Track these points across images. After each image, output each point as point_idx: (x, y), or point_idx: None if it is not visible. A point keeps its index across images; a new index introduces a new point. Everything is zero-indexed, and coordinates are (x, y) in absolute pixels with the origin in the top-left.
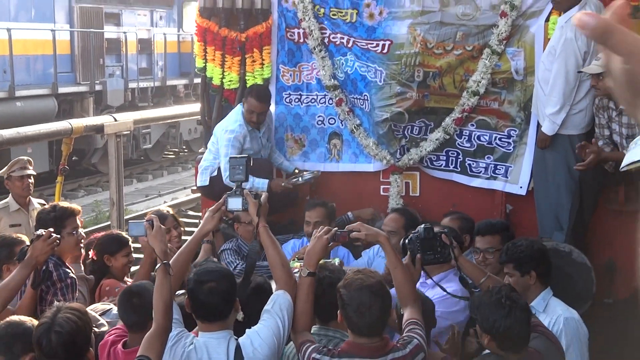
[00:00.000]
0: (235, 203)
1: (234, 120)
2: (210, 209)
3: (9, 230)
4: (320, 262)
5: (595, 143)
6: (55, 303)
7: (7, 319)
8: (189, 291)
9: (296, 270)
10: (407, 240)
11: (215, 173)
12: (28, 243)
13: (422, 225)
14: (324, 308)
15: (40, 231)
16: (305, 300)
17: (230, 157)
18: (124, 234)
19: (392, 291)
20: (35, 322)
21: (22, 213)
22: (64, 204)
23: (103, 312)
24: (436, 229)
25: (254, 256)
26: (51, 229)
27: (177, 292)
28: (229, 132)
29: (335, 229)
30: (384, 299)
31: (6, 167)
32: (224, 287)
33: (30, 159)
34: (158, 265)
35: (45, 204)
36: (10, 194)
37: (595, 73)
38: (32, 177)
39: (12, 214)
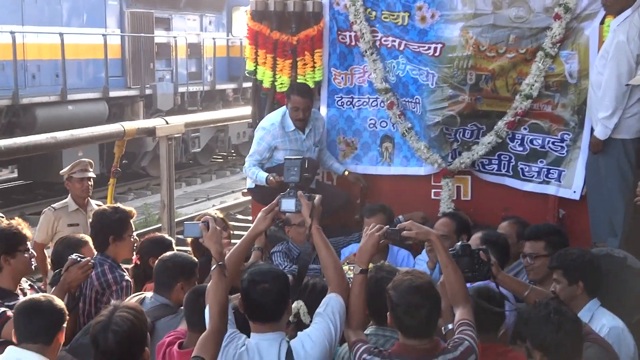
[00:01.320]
0: (288, 204)
1: (270, 119)
2: (263, 209)
3: (68, 229)
4: (377, 263)
5: None
6: (112, 302)
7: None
8: (243, 291)
9: (346, 273)
10: None
11: None
12: (90, 243)
13: (459, 243)
14: (381, 309)
15: (75, 257)
16: (358, 298)
17: (286, 158)
18: (166, 235)
19: None
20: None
21: (80, 213)
22: (124, 206)
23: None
24: (476, 245)
25: (306, 258)
26: (89, 258)
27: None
28: (260, 130)
29: (387, 226)
30: (433, 300)
31: (67, 168)
32: (278, 288)
33: (92, 161)
34: (213, 267)
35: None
36: (70, 194)
37: None
38: (91, 179)
39: (71, 213)
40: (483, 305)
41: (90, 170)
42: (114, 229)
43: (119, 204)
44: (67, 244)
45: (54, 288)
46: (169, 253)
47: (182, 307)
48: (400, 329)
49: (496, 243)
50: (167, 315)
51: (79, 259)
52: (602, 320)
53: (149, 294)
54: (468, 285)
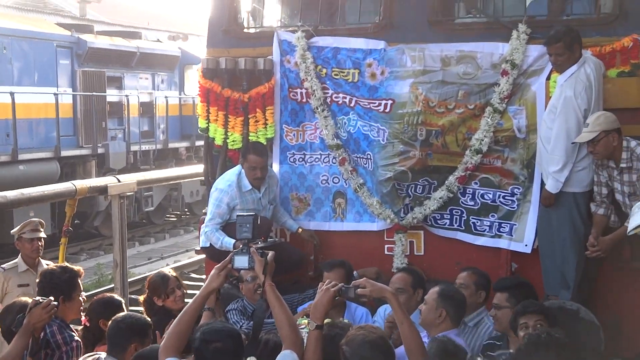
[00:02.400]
0: (241, 261)
1: (226, 180)
2: (216, 266)
3: (17, 290)
4: (331, 320)
5: (599, 241)
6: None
7: None
8: (195, 350)
9: (302, 327)
10: None
11: None
12: None
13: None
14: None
15: (39, 298)
16: (314, 354)
17: (238, 215)
18: (116, 296)
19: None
20: None
21: (30, 274)
22: (72, 266)
23: None
24: (430, 301)
25: (260, 315)
26: (51, 297)
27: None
28: (218, 191)
29: (341, 284)
30: (386, 354)
31: (17, 228)
32: (231, 347)
33: (42, 221)
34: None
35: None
36: (20, 255)
37: (588, 140)
38: (42, 239)
39: (21, 274)
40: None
41: (41, 230)
42: (63, 289)
43: (66, 263)
44: (13, 310)
45: (17, 332)
46: (122, 314)
47: None
48: None
49: (453, 298)
50: None
51: (41, 300)
52: None
53: (102, 354)
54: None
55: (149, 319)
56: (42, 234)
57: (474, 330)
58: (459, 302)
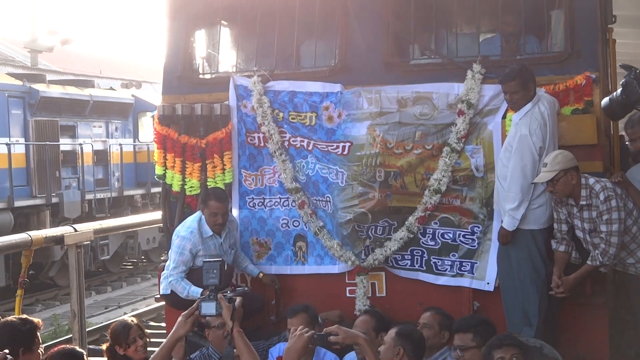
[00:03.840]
0: (208, 308)
1: (187, 227)
2: (183, 313)
3: None
4: None
5: (563, 281)
6: None
7: None
8: None
9: None
10: None
11: None
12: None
13: None
14: None
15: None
16: None
17: (204, 261)
18: (77, 348)
19: None
20: None
21: None
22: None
23: None
24: (387, 343)
25: None
26: (6, 351)
27: None
28: (180, 238)
29: (313, 331)
30: None
31: None
32: None
33: None
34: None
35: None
36: None
37: (548, 180)
38: None
39: None
40: None
41: None
42: (23, 341)
43: (25, 315)
44: None
45: None
46: (62, 347)
47: None
48: None
49: (410, 337)
50: None
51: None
52: None
53: None
54: None
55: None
56: None
57: None
58: (417, 340)
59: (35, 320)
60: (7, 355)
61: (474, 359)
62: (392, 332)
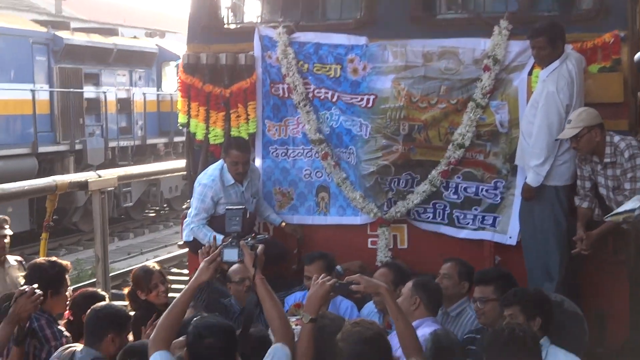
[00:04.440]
0: (231, 254)
1: (209, 175)
2: (206, 259)
3: None
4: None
5: (587, 235)
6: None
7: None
8: (189, 345)
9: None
10: None
11: None
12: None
13: None
14: (324, 356)
15: (24, 288)
16: (307, 348)
17: (227, 208)
18: (99, 290)
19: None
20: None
21: None
22: (60, 260)
23: None
24: (404, 293)
25: (251, 308)
26: (35, 285)
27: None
28: (202, 186)
29: (336, 280)
30: (382, 350)
31: None
32: (224, 344)
33: (7, 218)
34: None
35: (22, 261)
36: None
37: (571, 136)
38: (7, 237)
39: None
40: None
41: (6, 227)
42: (51, 283)
43: (55, 258)
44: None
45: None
46: (101, 303)
47: None
48: None
49: (427, 287)
50: None
51: (26, 289)
52: (558, 356)
53: (79, 347)
54: (426, 331)
55: (128, 312)
56: (8, 231)
57: (456, 320)
58: (433, 290)
59: (64, 262)
60: (36, 290)
61: (494, 312)
62: (409, 283)
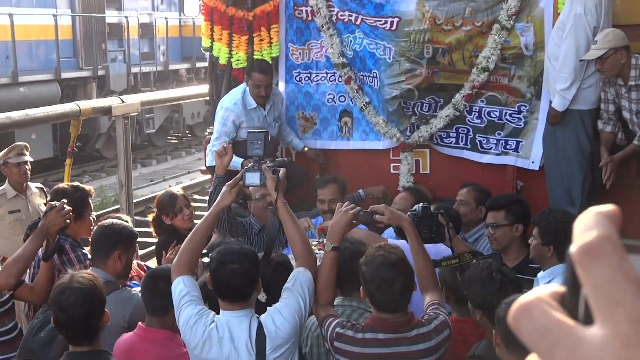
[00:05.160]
0: (253, 178)
1: (231, 98)
2: (227, 183)
3: (9, 217)
4: None
5: (612, 159)
6: (69, 271)
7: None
8: (212, 271)
9: (314, 243)
10: None
11: None
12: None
13: (420, 204)
14: (346, 279)
15: (53, 203)
16: (329, 275)
17: (249, 132)
18: (123, 216)
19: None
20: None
21: (20, 199)
22: (83, 185)
23: None
24: (433, 209)
25: (273, 232)
26: (64, 200)
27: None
28: (223, 110)
29: (359, 208)
30: (406, 275)
31: (2, 153)
32: (247, 269)
33: (27, 145)
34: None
35: (43, 188)
36: (7, 180)
37: (596, 57)
38: (29, 163)
39: (11, 200)
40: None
41: (27, 153)
42: (74, 207)
43: (77, 183)
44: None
45: (31, 234)
46: (108, 220)
47: (128, 285)
48: (373, 303)
49: (447, 214)
50: (111, 291)
51: (55, 204)
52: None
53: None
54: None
55: (135, 230)
56: (29, 157)
57: (474, 246)
58: (453, 218)
59: (87, 187)
60: (65, 206)
61: (505, 238)
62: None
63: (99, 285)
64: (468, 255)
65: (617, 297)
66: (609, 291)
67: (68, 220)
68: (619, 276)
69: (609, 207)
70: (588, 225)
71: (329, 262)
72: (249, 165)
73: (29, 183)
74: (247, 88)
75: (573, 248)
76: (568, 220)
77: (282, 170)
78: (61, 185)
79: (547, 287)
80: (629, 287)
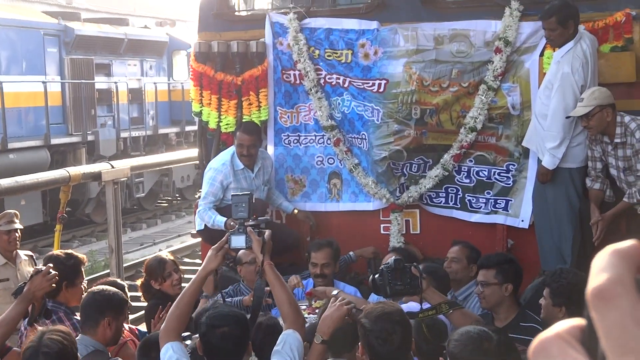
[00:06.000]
0: (238, 241)
1: (220, 160)
2: (213, 247)
3: None
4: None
5: (602, 217)
6: (39, 328)
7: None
8: (202, 335)
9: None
10: (378, 274)
11: None
12: None
13: (392, 257)
14: (336, 339)
15: (39, 267)
16: None
17: (233, 195)
18: (119, 280)
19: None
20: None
21: (9, 267)
22: (76, 252)
23: None
24: (406, 262)
25: (260, 294)
26: (50, 265)
27: (185, 335)
28: (212, 170)
29: (353, 305)
30: (405, 326)
31: None
32: (238, 332)
33: (17, 212)
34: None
35: (32, 255)
36: None
37: (583, 114)
38: (19, 230)
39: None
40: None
41: (17, 221)
42: (67, 275)
43: (71, 250)
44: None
45: (17, 299)
46: (99, 286)
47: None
48: (372, 357)
49: (435, 274)
50: None
51: (42, 268)
52: None
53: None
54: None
55: (125, 297)
56: (19, 225)
57: (464, 304)
58: (442, 277)
59: (80, 255)
60: (51, 270)
61: (494, 296)
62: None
63: (69, 344)
64: (445, 305)
65: (627, 342)
66: (619, 336)
67: (54, 285)
68: (630, 321)
69: (626, 244)
70: (602, 267)
71: (317, 354)
72: (235, 228)
73: (19, 251)
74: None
75: (588, 290)
76: (579, 281)
77: (267, 232)
78: (54, 252)
79: (566, 321)
80: (639, 333)
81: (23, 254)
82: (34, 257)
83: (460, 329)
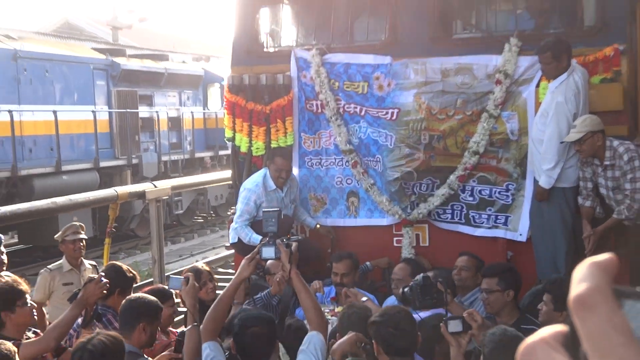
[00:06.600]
0: (268, 252)
1: (253, 181)
2: (246, 257)
3: (63, 288)
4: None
5: (594, 232)
6: (96, 330)
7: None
8: (235, 335)
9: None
10: (407, 288)
11: None
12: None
13: (421, 275)
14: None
15: (93, 275)
16: None
17: (264, 211)
18: (166, 287)
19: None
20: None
21: (74, 273)
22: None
23: None
24: (432, 277)
25: (287, 300)
26: (102, 273)
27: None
28: (246, 191)
29: (365, 341)
30: (413, 325)
31: (60, 232)
32: (267, 331)
33: (83, 225)
34: (188, 327)
35: (95, 265)
36: (64, 256)
37: (576, 140)
38: (83, 240)
39: (65, 273)
40: None
41: (82, 232)
42: (122, 284)
43: (130, 268)
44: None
45: (72, 303)
46: (136, 294)
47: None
48: (385, 348)
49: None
50: None
51: (95, 276)
52: None
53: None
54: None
55: (160, 304)
56: (83, 236)
57: (470, 308)
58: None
59: (137, 274)
60: (103, 279)
61: (497, 302)
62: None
63: (115, 348)
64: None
65: (606, 347)
66: (599, 342)
67: (105, 291)
68: (609, 327)
69: (603, 257)
70: (582, 277)
71: None
72: (265, 240)
73: (84, 259)
74: (268, 172)
75: (569, 298)
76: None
77: (294, 244)
78: (119, 263)
79: (550, 327)
80: (618, 338)
81: (87, 262)
82: (97, 267)
83: (494, 331)
